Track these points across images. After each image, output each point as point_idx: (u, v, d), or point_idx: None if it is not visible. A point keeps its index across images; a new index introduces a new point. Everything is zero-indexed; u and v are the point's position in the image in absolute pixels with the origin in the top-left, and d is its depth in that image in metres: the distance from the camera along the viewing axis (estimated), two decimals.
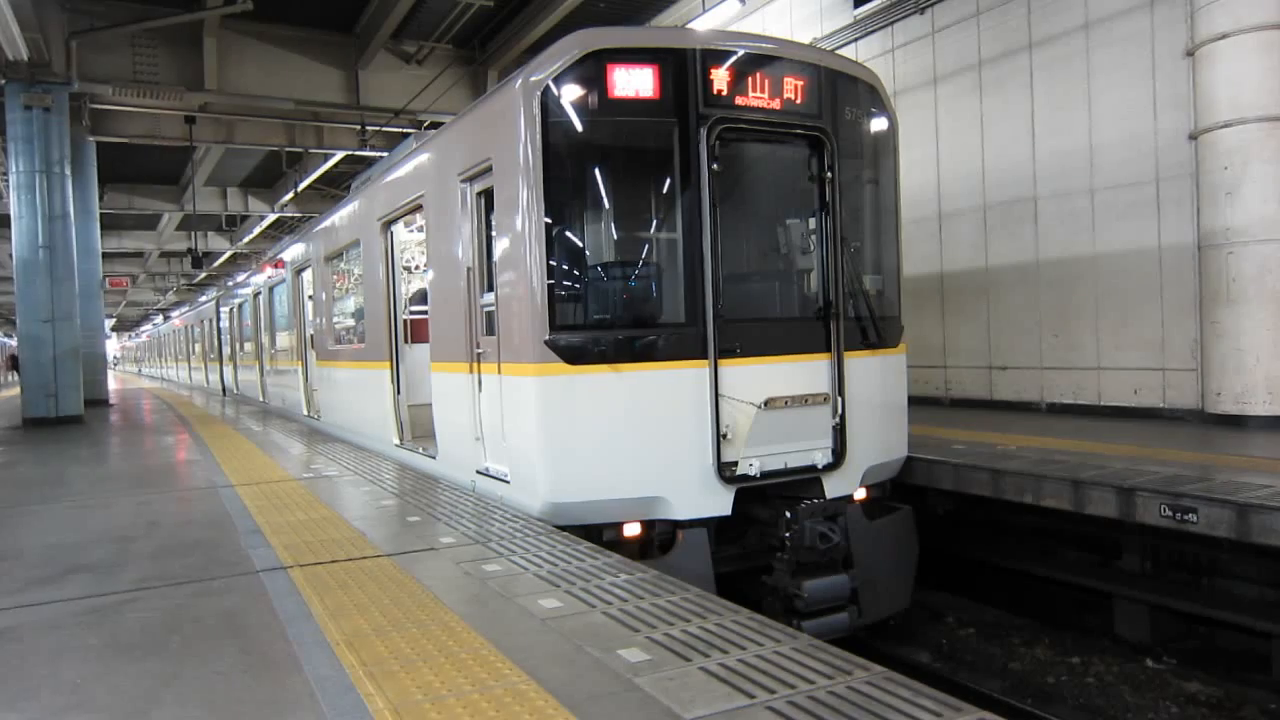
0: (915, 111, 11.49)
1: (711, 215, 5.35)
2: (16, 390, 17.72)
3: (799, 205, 6.17)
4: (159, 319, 54.31)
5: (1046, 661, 6.40)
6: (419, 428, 7.97)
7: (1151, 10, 8.90)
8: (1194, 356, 8.64)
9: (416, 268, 9.65)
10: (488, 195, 5.95)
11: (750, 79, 5.58)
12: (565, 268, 5.34)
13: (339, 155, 19.18)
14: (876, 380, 6.20)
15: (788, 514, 5.57)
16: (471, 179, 6.20)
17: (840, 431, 5.81)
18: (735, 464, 5.46)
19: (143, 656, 3.17)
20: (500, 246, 5.65)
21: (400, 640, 3.20)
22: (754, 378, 5.47)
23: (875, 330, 6.15)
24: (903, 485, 6.90)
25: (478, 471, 6.15)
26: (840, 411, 5.80)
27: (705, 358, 5.34)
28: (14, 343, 29.09)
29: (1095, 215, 9.53)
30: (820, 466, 5.75)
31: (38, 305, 13.44)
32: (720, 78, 5.47)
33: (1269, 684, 5.66)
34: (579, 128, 5.33)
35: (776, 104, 5.66)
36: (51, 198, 13.53)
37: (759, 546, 5.85)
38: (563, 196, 5.32)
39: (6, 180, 15.74)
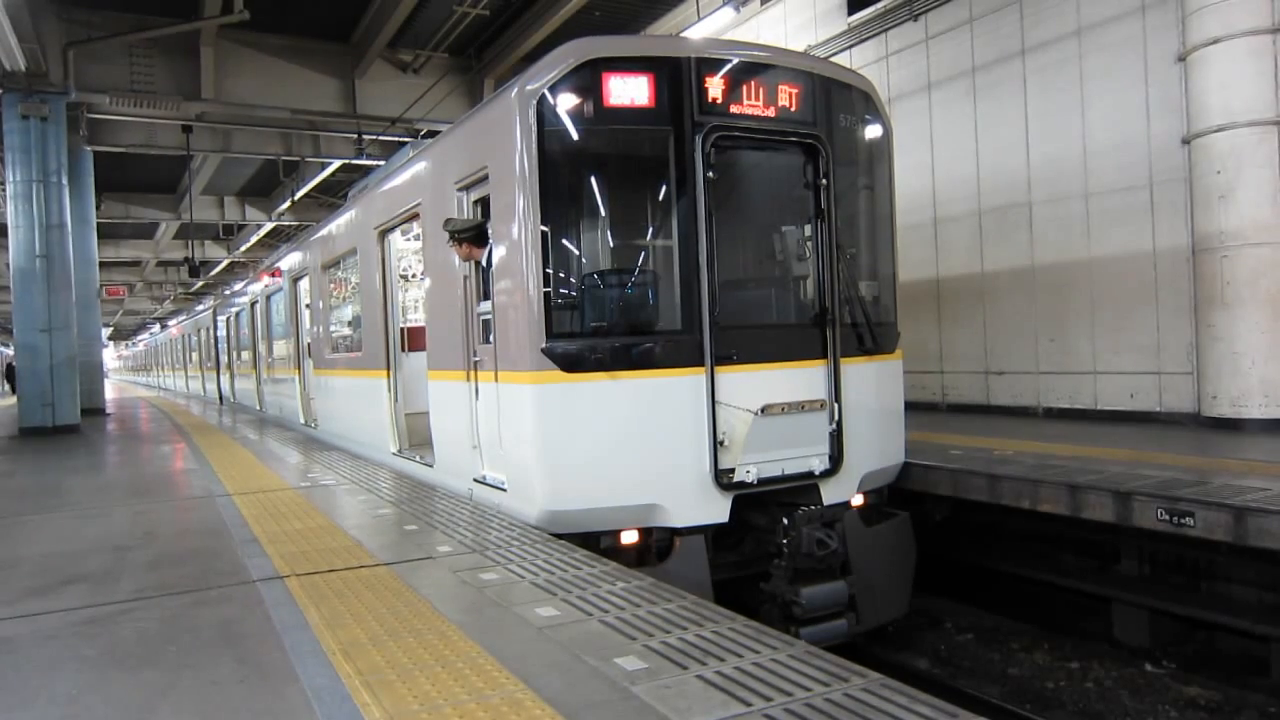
0: (910, 118, 11.54)
1: (707, 223, 5.36)
2: (13, 399, 17.69)
3: (794, 212, 6.18)
4: (155, 328, 54.26)
5: (1045, 666, 6.40)
6: (416, 436, 7.97)
7: (1143, 16, 8.94)
8: (1190, 360, 8.66)
9: (414, 276, 9.66)
10: (484, 203, 5.96)
11: (745, 87, 5.60)
12: (562, 275, 5.34)
13: (336, 164, 19.20)
14: (873, 386, 6.21)
15: (785, 521, 5.56)
16: (468, 187, 6.22)
17: (837, 438, 5.81)
18: (732, 471, 5.46)
19: (139, 667, 3.16)
20: (497, 254, 5.66)
21: (397, 649, 3.20)
22: (751, 384, 5.47)
23: (871, 336, 6.15)
24: (900, 491, 6.90)
25: (475, 480, 6.15)
26: (837, 418, 5.80)
27: (702, 365, 5.34)
28: (11, 352, 29.05)
29: (1090, 220, 9.56)
30: (817, 473, 5.75)
31: (35, 315, 13.43)
32: (715, 86, 5.49)
33: (1268, 687, 5.66)
34: (575, 136, 5.34)
35: (771, 112, 5.68)
36: (49, 207, 13.53)
37: (756, 553, 5.85)
38: (559, 205, 5.34)
39: (4, 190, 15.76)
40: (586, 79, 5.27)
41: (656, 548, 5.46)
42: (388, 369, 8.11)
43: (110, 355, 75.11)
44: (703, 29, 12.57)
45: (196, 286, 37.89)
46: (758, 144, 5.81)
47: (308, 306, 11.70)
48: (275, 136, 18.42)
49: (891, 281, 6.66)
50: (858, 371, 6.01)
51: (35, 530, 5.89)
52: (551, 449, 5.24)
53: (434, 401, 6.96)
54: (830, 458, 5.81)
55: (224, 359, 21.06)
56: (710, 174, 5.38)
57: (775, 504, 5.73)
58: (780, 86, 5.73)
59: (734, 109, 5.55)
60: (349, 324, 9.99)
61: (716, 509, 5.44)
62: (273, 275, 14.05)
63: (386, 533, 5.23)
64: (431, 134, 14.47)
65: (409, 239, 9.01)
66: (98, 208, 19.20)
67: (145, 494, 7.27)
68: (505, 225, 5.50)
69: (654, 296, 5.69)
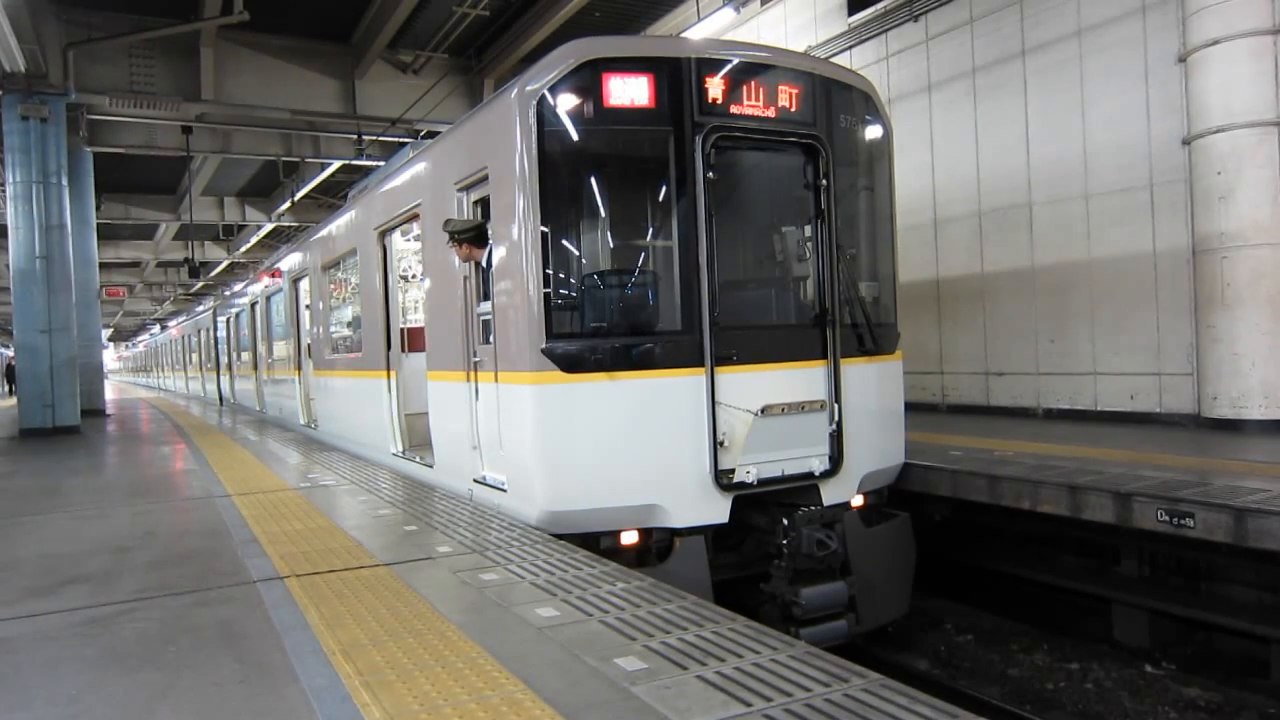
0: (910, 118, 11.54)
1: (707, 223, 5.36)
2: (13, 400, 17.69)
3: (794, 213, 6.18)
4: (155, 329, 54.27)
5: (1045, 667, 6.40)
6: (415, 436, 7.97)
7: (1143, 16, 8.95)
8: (1190, 361, 8.66)
9: (414, 276, 9.66)
10: (484, 204, 5.96)
11: (745, 87, 5.60)
12: (561, 276, 5.34)
13: (336, 164, 19.21)
14: (873, 387, 6.21)
15: (785, 521, 5.56)
16: (468, 188, 6.22)
17: (837, 438, 5.81)
18: (732, 471, 5.45)
19: (139, 667, 3.16)
20: (497, 255, 5.66)
21: (397, 650, 3.20)
22: (751, 385, 5.47)
23: (872, 337, 6.15)
24: (900, 492, 6.90)
25: (475, 480, 6.14)
26: (837, 418, 5.80)
27: (702, 365, 5.34)
28: (11, 353, 29.06)
29: (1090, 221, 9.56)
30: (817, 473, 5.75)
31: (35, 316, 13.44)
32: (715, 86, 5.49)
33: (1268, 689, 5.66)
34: (575, 136, 5.34)
35: (771, 112, 5.68)
36: (48, 208, 13.54)
37: (756, 554, 5.85)
38: (559, 205, 5.33)
39: (4, 191, 15.76)
40: (586, 79, 5.27)
41: (656, 548, 5.45)
42: (388, 369, 8.12)
43: (110, 356, 75.10)
44: (703, 29, 12.59)
45: (196, 287, 37.89)
46: (758, 144, 5.81)
47: (307, 307, 11.70)
48: (275, 137, 18.42)
49: (891, 282, 6.66)
50: (858, 372, 6.01)
51: (35, 531, 5.89)
52: (551, 449, 5.24)
53: (433, 402, 6.96)
54: (830, 458, 5.80)
55: (224, 360, 21.06)
56: (710, 174, 5.38)
57: (775, 504, 5.72)
58: (780, 87, 5.73)
59: (734, 109, 5.55)
60: (349, 325, 9.99)
61: (716, 509, 5.43)
62: (273, 276, 14.05)
63: (386, 533, 5.23)
64: (431, 134, 14.49)
65: (409, 239, 9.01)
66: (98, 209, 19.18)
67: (145, 495, 7.27)
68: (505, 226, 5.50)
69: (654, 297, 5.69)
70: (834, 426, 5.80)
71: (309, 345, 11.61)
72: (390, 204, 7.94)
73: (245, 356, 17.57)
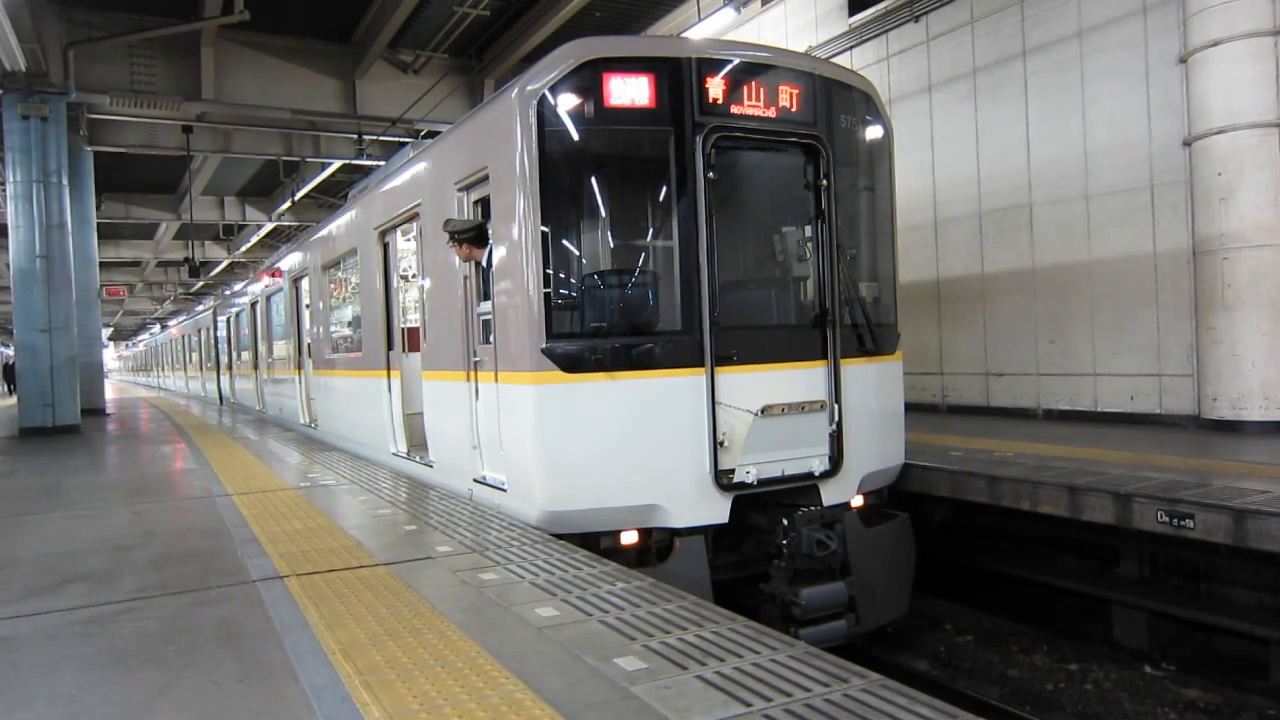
0: (910, 119, 11.54)
1: (707, 223, 5.36)
2: (13, 400, 17.69)
3: (795, 213, 6.19)
4: (155, 328, 54.27)
5: (1045, 668, 6.40)
6: (416, 436, 7.97)
7: (1144, 17, 8.95)
8: (1190, 362, 8.66)
9: (414, 276, 9.66)
10: (484, 204, 5.96)
11: (746, 87, 5.60)
12: (562, 276, 5.34)
13: (336, 164, 19.21)
14: (873, 387, 6.21)
15: (785, 521, 5.56)
16: (468, 188, 6.22)
17: (837, 439, 5.81)
18: (732, 471, 5.45)
19: (139, 666, 3.16)
20: (497, 255, 5.66)
21: (396, 649, 3.20)
22: (751, 385, 5.47)
23: (872, 337, 6.15)
24: (900, 492, 6.90)
25: (475, 480, 6.14)
26: (837, 419, 5.80)
27: (702, 365, 5.34)
28: (11, 352, 29.07)
29: (1090, 221, 9.56)
30: (817, 474, 5.75)
31: (35, 315, 13.45)
32: (716, 86, 5.49)
33: (1267, 690, 5.65)
34: (575, 136, 5.34)
35: (772, 112, 5.68)
36: (49, 207, 13.55)
37: (756, 554, 5.85)
38: (559, 205, 5.33)
39: (4, 190, 15.77)
40: (587, 79, 5.27)
41: (656, 548, 5.45)
42: (388, 369, 8.12)
43: (110, 355, 75.09)
44: (703, 29, 12.58)
45: (196, 287, 37.87)
46: (758, 144, 5.81)
47: (308, 307, 11.70)
48: (276, 137, 18.44)
49: (892, 282, 6.66)
50: (858, 372, 6.01)
51: (35, 530, 5.89)
52: (551, 449, 5.24)
53: (429, 402, 6.96)
54: (830, 459, 5.80)
55: (224, 359, 21.06)
56: (711, 174, 5.38)
57: (775, 505, 5.72)
58: (781, 87, 5.73)
59: (735, 109, 5.55)
60: (349, 324, 9.99)
61: (716, 509, 5.43)
62: (273, 275, 14.05)
63: (386, 533, 5.23)
64: (431, 134, 14.48)
65: (409, 239, 9.02)
66: (98, 208, 19.20)
67: (145, 494, 7.27)
68: (505, 226, 5.50)
69: (654, 297, 5.69)
70: (834, 427, 5.80)
71: (309, 345, 11.61)
72: (390, 204, 7.94)
73: (245, 356, 17.57)
